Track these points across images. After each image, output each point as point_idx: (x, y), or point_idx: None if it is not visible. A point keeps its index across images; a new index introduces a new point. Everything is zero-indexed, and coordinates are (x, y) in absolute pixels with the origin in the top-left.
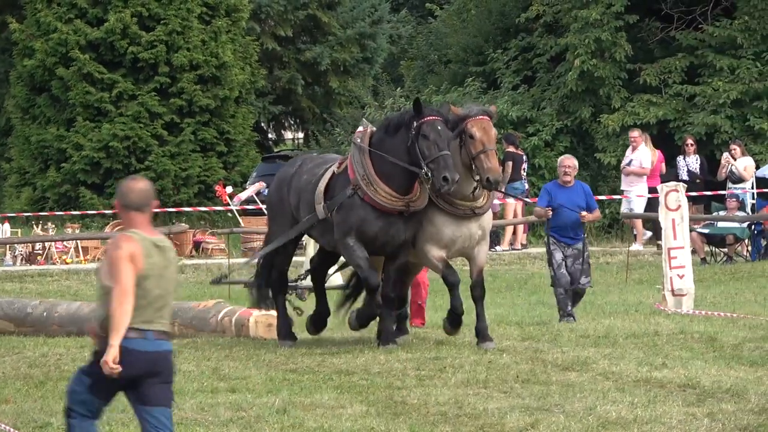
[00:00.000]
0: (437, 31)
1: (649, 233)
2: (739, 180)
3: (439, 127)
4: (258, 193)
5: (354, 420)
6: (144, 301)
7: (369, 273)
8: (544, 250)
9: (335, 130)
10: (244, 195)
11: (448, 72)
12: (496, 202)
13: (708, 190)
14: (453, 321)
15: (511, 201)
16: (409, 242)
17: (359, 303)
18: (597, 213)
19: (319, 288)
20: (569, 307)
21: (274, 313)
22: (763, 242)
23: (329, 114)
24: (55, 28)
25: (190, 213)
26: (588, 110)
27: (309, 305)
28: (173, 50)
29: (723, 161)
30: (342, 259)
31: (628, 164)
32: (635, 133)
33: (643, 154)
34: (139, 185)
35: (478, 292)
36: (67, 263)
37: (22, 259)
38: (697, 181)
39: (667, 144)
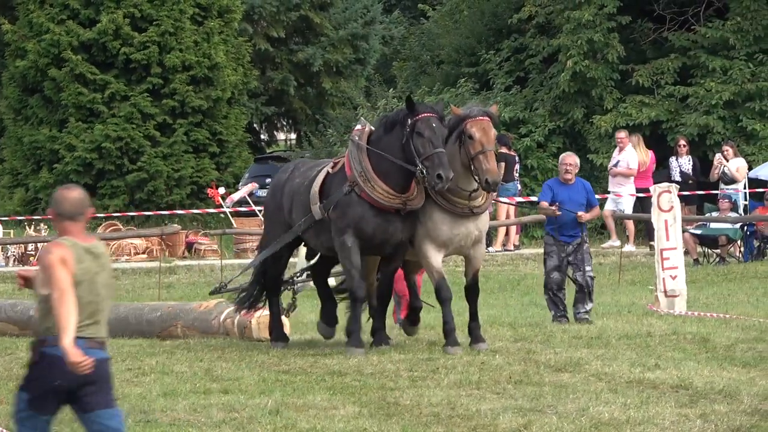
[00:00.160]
0: (430, 32)
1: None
2: (732, 181)
3: (433, 124)
4: (250, 194)
5: (347, 421)
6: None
7: (357, 284)
8: (536, 251)
9: (328, 131)
10: (236, 196)
11: (441, 73)
12: None
13: (700, 191)
14: (447, 335)
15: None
16: (406, 242)
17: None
18: (596, 210)
19: (324, 290)
20: (562, 307)
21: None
22: (756, 243)
23: (322, 115)
24: (47, 28)
25: (182, 214)
26: (580, 111)
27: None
28: (166, 51)
29: (715, 162)
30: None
31: (615, 165)
32: (622, 134)
33: (630, 155)
34: (73, 194)
35: (472, 293)
36: None
37: (14, 260)
38: (690, 182)
39: (660, 145)
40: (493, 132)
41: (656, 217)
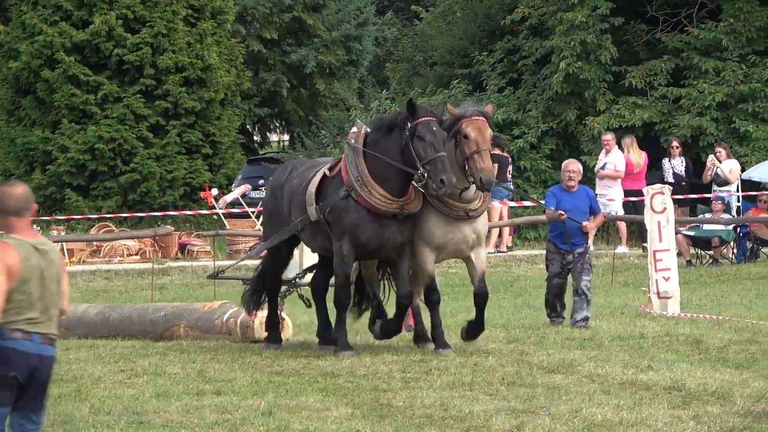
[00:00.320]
0: (423, 34)
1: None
2: (725, 182)
3: (434, 128)
4: (243, 196)
5: (339, 422)
6: (26, 303)
7: (342, 292)
8: (529, 252)
9: (321, 132)
10: (229, 197)
11: (434, 74)
12: None
13: (693, 192)
14: (436, 339)
15: (496, 204)
16: (406, 245)
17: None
18: (600, 217)
19: (321, 304)
20: (558, 308)
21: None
22: (749, 245)
23: (315, 116)
24: (40, 30)
25: (175, 215)
26: (573, 113)
27: (298, 310)
28: (159, 52)
29: (708, 164)
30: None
31: (602, 168)
32: (608, 137)
33: (617, 157)
34: (17, 190)
35: (481, 300)
36: None
37: None
38: (683, 183)
39: (653, 146)
40: (489, 132)
41: (649, 219)
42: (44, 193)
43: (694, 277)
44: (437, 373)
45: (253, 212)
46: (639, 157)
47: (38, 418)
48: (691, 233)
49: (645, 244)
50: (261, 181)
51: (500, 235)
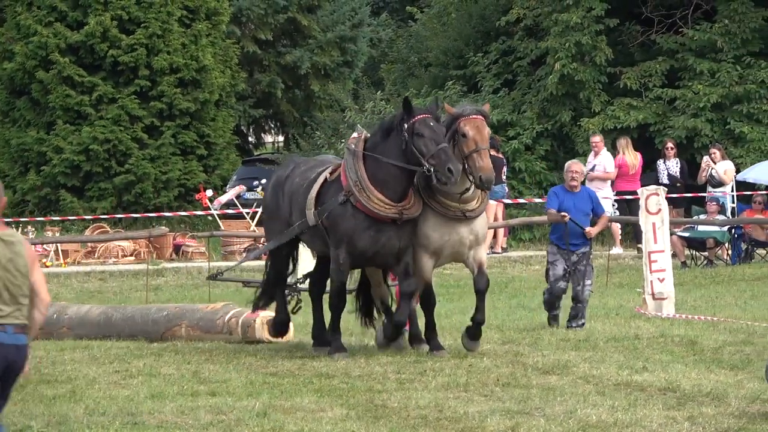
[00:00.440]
0: (417, 35)
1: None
2: (719, 184)
3: (431, 123)
4: (238, 197)
5: (334, 423)
6: None
7: (337, 298)
8: (524, 253)
9: (315, 133)
10: (224, 198)
11: (429, 75)
12: None
13: (688, 193)
14: (429, 338)
15: (492, 203)
16: (404, 250)
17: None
18: (604, 219)
19: (317, 305)
20: (556, 310)
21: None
22: (743, 246)
23: (309, 117)
24: (35, 31)
25: (170, 216)
26: (568, 114)
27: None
28: (153, 53)
29: (703, 165)
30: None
31: (592, 170)
32: (596, 138)
33: (605, 159)
34: None
35: (482, 285)
36: (47, 266)
37: None
38: (678, 184)
39: (648, 148)
40: (487, 130)
41: (644, 220)
42: (39, 194)
43: (688, 278)
44: (432, 374)
45: (247, 213)
46: (634, 159)
47: (3, 407)
48: (686, 234)
49: (640, 246)
50: (256, 182)
51: (495, 236)
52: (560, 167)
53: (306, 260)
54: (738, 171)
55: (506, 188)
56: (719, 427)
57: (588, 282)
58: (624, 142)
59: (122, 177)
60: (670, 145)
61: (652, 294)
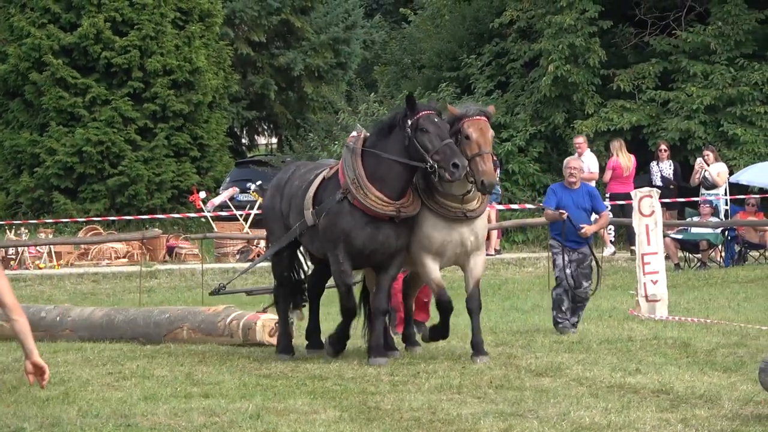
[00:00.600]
0: (411, 37)
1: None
2: (713, 186)
3: (435, 120)
4: (231, 199)
5: (327, 425)
6: None
7: (348, 300)
8: (517, 255)
9: (309, 135)
10: (217, 200)
11: (422, 77)
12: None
13: (681, 195)
14: (435, 336)
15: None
16: (401, 251)
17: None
18: (604, 216)
19: (314, 306)
20: (565, 310)
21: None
22: (737, 248)
23: (303, 119)
24: (28, 32)
25: (163, 218)
26: (562, 116)
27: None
28: (147, 55)
29: (696, 167)
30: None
31: None
32: (580, 140)
33: (589, 160)
34: None
35: (474, 304)
36: (40, 268)
37: None
38: (671, 186)
39: (641, 150)
40: (491, 133)
41: (637, 222)
42: (32, 195)
43: (682, 280)
44: (425, 376)
45: (241, 215)
46: (628, 161)
47: None
48: (680, 236)
49: (633, 247)
50: (249, 184)
51: (488, 238)
52: (553, 169)
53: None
54: (731, 173)
55: (500, 190)
56: (712, 429)
57: (587, 283)
58: (617, 144)
59: (115, 179)
60: (663, 147)
61: (646, 296)
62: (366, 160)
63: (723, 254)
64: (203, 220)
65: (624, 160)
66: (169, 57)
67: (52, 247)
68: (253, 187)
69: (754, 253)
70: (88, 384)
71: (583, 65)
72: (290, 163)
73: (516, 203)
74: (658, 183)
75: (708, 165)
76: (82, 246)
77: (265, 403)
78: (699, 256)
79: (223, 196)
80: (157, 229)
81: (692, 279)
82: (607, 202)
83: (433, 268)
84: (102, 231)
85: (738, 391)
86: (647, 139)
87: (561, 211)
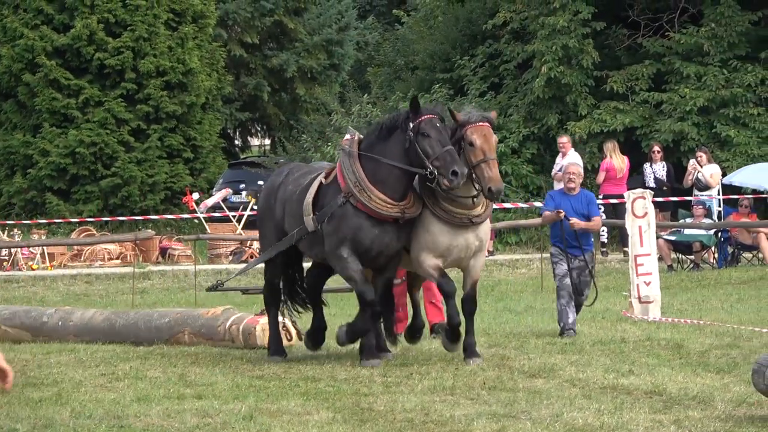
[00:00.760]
0: (404, 38)
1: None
2: (706, 187)
3: (438, 125)
4: (224, 200)
5: (320, 427)
6: None
7: (364, 287)
8: (510, 257)
9: (302, 136)
10: (210, 201)
11: (415, 79)
12: None
13: (675, 197)
14: (450, 334)
15: None
16: (401, 252)
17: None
18: (596, 221)
19: (316, 303)
20: (570, 320)
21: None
22: (730, 249)
23: (296, 121)
24: (21, 34)
25: (156, 219)
26: (555, 117)
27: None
28: (140, 56)
29: (689, 168)
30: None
31: (560, 170)
32: (564, 140)
33: (573, 159)
34: None
35: (469, 306)
36: (33, 269)
37: None
38: (664, 188)
39: (634, 151)
40: (494, 138)
41: (630, 223)
42: (25, 197)
43: (675, 281)
44: (418, 378)
45: (234, 216)
46: (621, 162)
47: None
48: (673, 238)
49: (626, 249)
50: (242, 185)
51: None
52: (547, 170)
53: None
54: (724, 174)
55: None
56: (705, 431)
57: (588, 291)
58: (611, 146)
59: (108, 180)
60: (656, 148)
61: (639, 297)
62: (365, 162)
63: (716, 256)
64: (196, 221)
65: (617, 161)
66: (162, 58)
67: (45, 248)
68: (251, 191)
69: (747, 255)
70: (81, 385)
71: (576, 67)
72: (283, 165)
73: (509, 203)
74: (652, 184)
75: (701, 166)
76: (75, 247)
77: (258, 405)
78: (692, 257)
79: (216, 197)
80: (150, 231)
81: (685, 280)
82: (600, 203)
83: (433, 261)
84: (95, 232)
85: (731, 393)
86: (640, 141)
87: (559, 210)
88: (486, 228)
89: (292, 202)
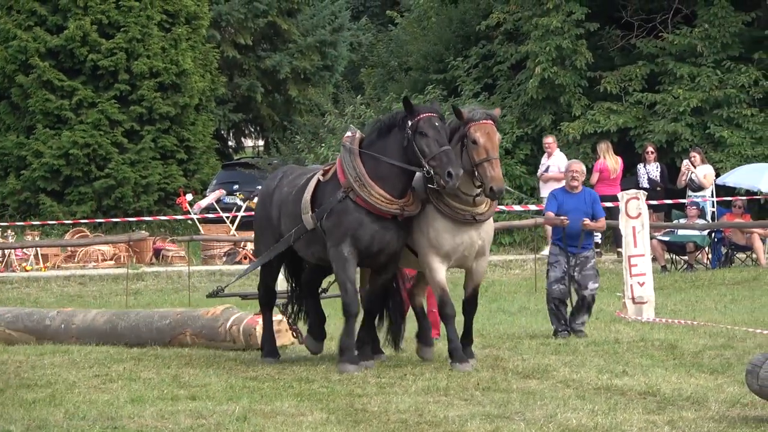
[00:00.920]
0: (398, 39)
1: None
2: (699, 188)
3: (436, 123)
4: (218, 201)
5: (314, 428)
6: None
7: (352, 299)
8: (504, 257)
9: (296, 138)
10: (204, 203)
11: (409, 79)
12: None
13: (668, 197)
14: (453, 353)
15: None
16: (401, 252)
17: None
18: (602, 221)
19: (313, 302)
20: (564, 321)
21: (281, 318)
22: (723, 250)
23: (289, 122)
24: (14, 35)
25: (150, 221)
26: (548, 118)
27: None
28: (133, 58)
29: (683, 169)
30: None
31: (546, 170)
32: (549, 140)
33: (559, 160)
34: None
35: (470, 308)
36: (27, 270)
37: None
38: (658, 188)
39: (628, 152)
40: (498, 137)
41: (624, 224)
42: (18, 198)
43: (668, 282)
44: (412, 378)
45: (227, 217)
46: (615, 163)
47: None
48: (666, 238)
49: (620, 250)
50: (236, 187)
51: None
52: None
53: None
54: (718, 175)
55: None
56: (699, 431)
57: (593, 285)
58: (604, 147)
59: (102, 181)
60: (650, 149)
61: (632, 298)
62: (365, 159)
63: (710, 256)
64: (190, 222)
65: (611, 162)
66: (156, 59)
67: (38, 249)
68: (239, 190)
69: (741, 255)
70: (74, 386)
71: (569, 67)
72: (277, 168)
73: (503, 206)
74: (645, 185)
75: (695, 167)
76: (69, 248)
77: (251, 406)
78: (686, 258)
79: (210, 198)
80: (143, 232)
81: (679, 281)
82: None
83: (439, 270)
84: (89, 233)
85: (725, 393)
86: (634, 141)
87: (563, 217)
88: (489, 229)
89: (288, 203)
